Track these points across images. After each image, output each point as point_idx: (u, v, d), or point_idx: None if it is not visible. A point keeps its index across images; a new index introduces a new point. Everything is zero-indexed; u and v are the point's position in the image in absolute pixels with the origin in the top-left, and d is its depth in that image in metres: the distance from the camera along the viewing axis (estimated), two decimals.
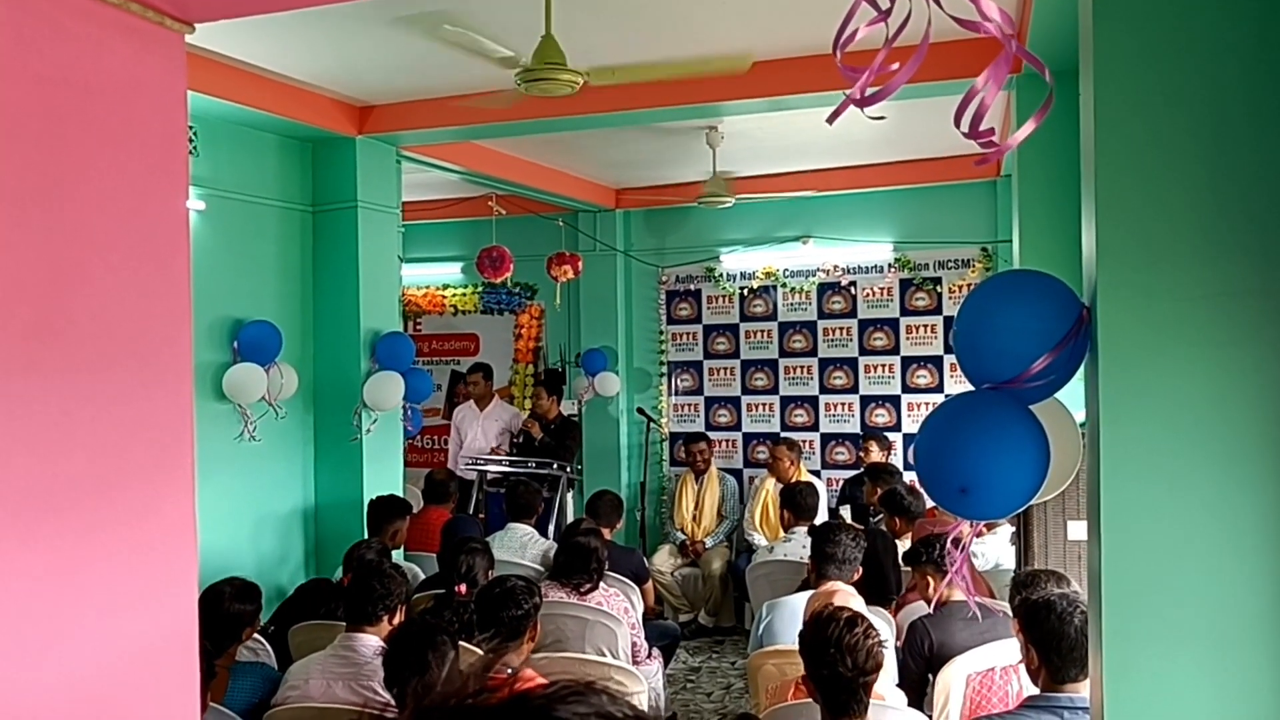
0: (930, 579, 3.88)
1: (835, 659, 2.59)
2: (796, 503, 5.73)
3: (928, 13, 1.01)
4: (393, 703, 2.96)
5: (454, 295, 9.46)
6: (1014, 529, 4.76)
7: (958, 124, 1.12)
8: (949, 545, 2.09)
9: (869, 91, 1.06)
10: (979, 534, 5.10)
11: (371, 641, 3.27)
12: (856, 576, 4.23)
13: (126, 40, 1.14)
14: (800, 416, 8.54)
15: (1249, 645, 1.69)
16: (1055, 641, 2.61)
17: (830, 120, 1.40)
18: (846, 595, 3.52)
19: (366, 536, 5.16)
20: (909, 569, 5.19)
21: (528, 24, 4.06)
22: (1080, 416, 2.11)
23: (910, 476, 7.62)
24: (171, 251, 1.22)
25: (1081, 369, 1.95)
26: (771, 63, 5.19)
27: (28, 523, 1.01)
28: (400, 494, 5.86)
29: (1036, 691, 2.75)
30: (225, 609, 3.51)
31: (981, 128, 1.37)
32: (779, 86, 5.28)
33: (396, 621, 3.39)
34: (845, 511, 6.19)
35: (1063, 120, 4.74)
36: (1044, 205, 4.95)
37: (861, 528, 5.27)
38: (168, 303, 1.21)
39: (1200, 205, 1.73)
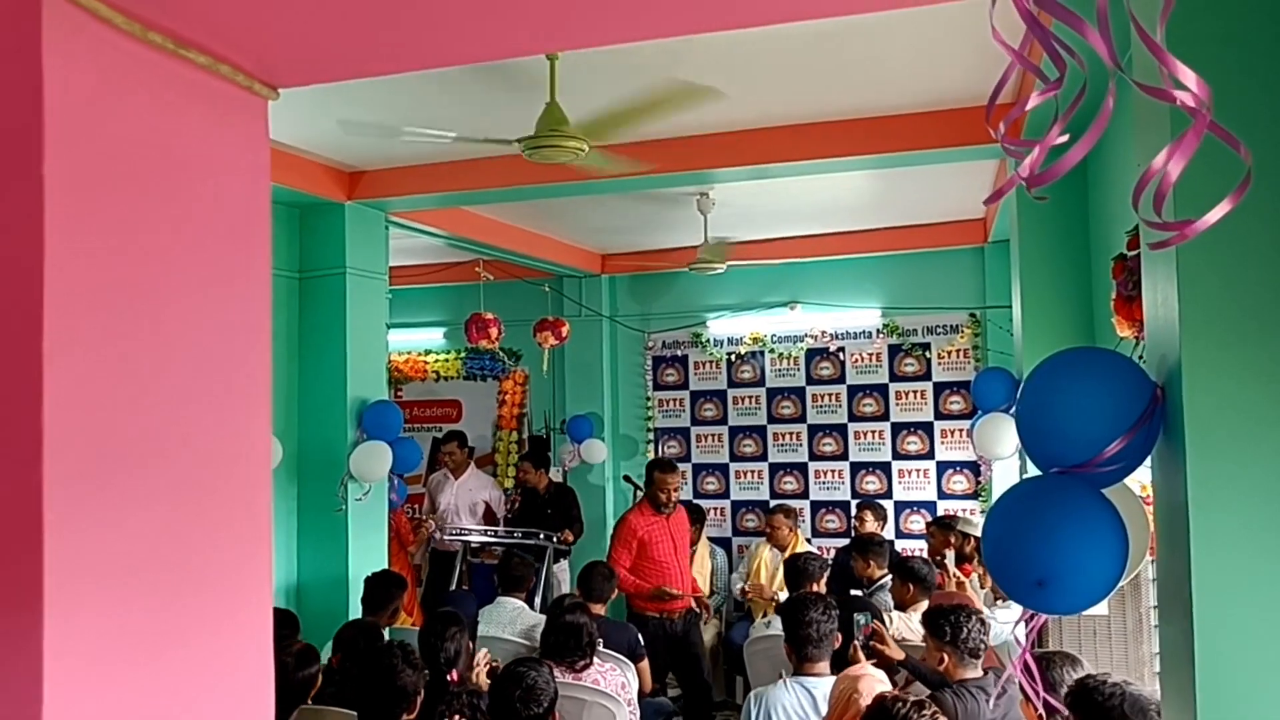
0: (945, 655, 3.72)
1: None
2: (801, 571, 5.56)
3: (1110, 82, 0.91)
4: None
5: (436, 361, 9.30)
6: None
7: (1135, 206, 1.02)
8: (1018, 637, 1.95)
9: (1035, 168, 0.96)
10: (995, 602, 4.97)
11: None
12: (836, 646, 4.10)
13: (211, 107, 1.02)
14: (790, 484, 8.41)
15: None
16: None
17: (988, 201, 1.29)
18: (874, 680, 3.36)
19: (361, 613, 4.93)
20: (904, 640, 5.06)
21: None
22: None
23: (902, 546, 7.50)
24: (253, 349, 1.08)
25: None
26: (764, 130, 5.17)
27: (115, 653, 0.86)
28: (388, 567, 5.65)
29: None
30: (291, 677, 3.49)
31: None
32: (771, 154, 5.25)
33: (415, 715, 3.19)
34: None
35: (1062, 188, 4.74)
36: (1046, 272, 4.92)
37: (828, 597, 5.13)
38: (249, 408, 1.08)
39: None
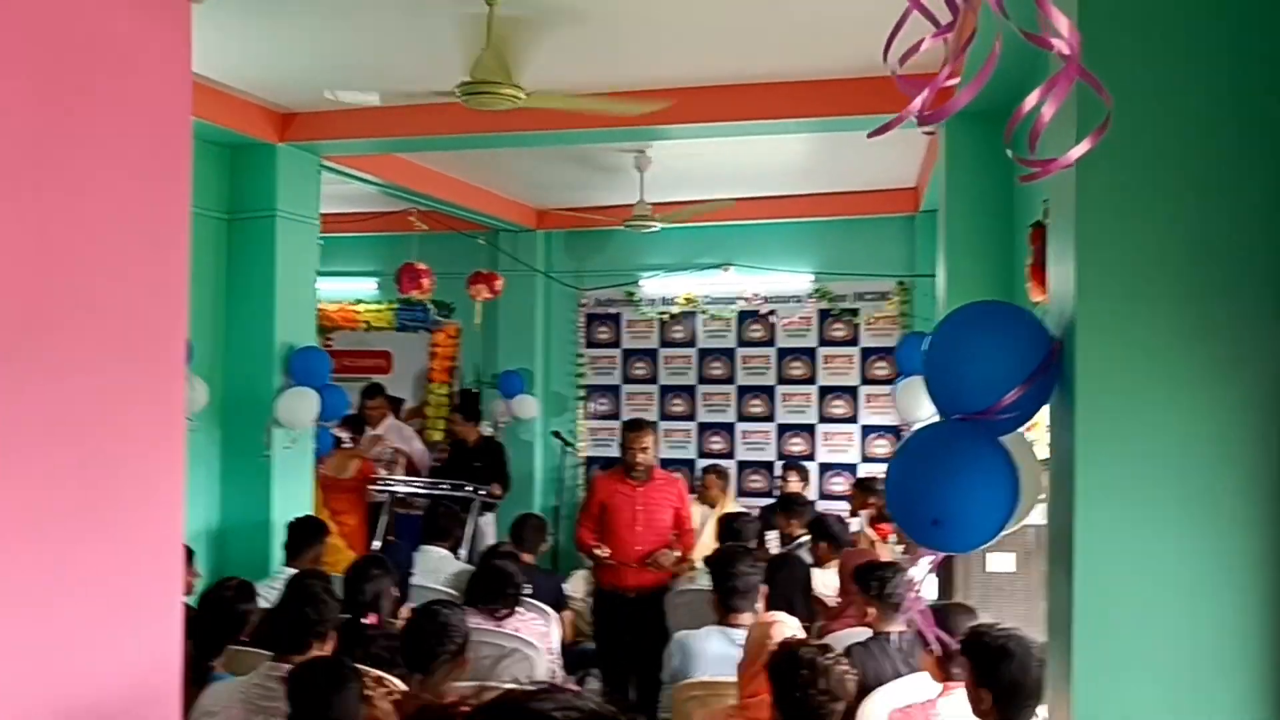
0: (872, 608, 3.86)
1: (809, 680, 2.57)
2: (734, 531, 5.69)
3: (997, 29, 0.97)
4: None
5: (367, 311, 9.23)
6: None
7: (1007, 142, 1.09)
8: (906, 577, 2.05)
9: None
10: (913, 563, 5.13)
11: None
12: (761, 603, 4.21)
13: (131, 7, 1.04)
14: (717, 443, 8.54)
15: (1222, 684, 1.70)
16: (1014, 689, 2.63)
17: (872, 135, 1.36)
18: (786, 627, 3.47)
19: (285, 560, 4.93)
20: (822, 595, 5.23)
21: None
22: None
23: (824, 507, 7.68)
24: (171, 240, 1.11)
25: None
26: (700, 90, 5.21)
27: (14, 525, 0.89)
28: (313, 514, 5.65)
29: None
30: (230, 610, 3.56)
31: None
32: (710, 113, 5.30)
33: (328, 650, 3.22)
34: (773, 540, 6.17)
35: (988, 158, 4.86)
36: (970, 240, 5.04)
37: (759, 551, 5.26)
38: (165, 297, 1.10)
39: (1180, 243, 1.75)
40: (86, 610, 0.99)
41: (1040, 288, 3.25)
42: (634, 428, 5.73)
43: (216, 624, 3.56)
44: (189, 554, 3.73)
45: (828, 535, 5.55)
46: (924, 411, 5.87)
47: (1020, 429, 2.00)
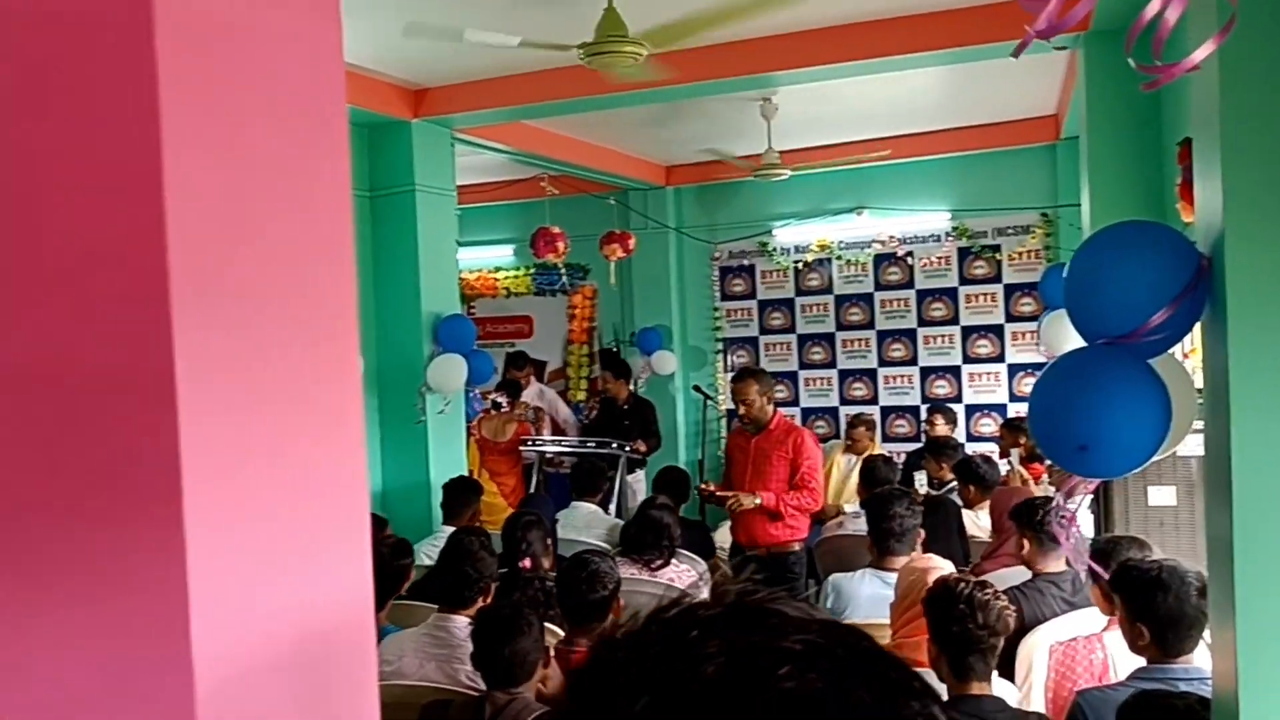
0: (1027, 541, 3.82)
1: (965, 615, 2.57)
2: (875, 477, 5.68)
3: None
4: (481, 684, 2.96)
5: (506, 278, 9.47)
6: (1091, 496, 4.68)
7: (1129, 52, 1.08)
8: (1060, 505, 2.04)
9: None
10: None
11: (465, 624, 3.28)
12: (920, 542, 4.19)
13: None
14: (859, 390, 8.47)
15: None
16: (1172, 621, 2.56)
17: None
18: (940, 569, 3.46)
19: (442, 520, 5.17)
20: (973, 537, 5.17)
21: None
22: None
23: (972, 449, 7.54)
24: (338, 217, 1.20)
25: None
26: (828, 30, 5.12)
27: (216, 476, 1.01)
28: (468, 475, 5.89)
29: (1141, 663, 2.70)
30: (389, 566, 3.69)
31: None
32: (835, 54, 5.22)
33: (488, 602, 3.39)
34: (920, 484, 6.12)
35: (1131, 81, 4.65)
36: (1115, 163, 4.86)
37: (916, 494, 5.21)
38: (338, 275, 1.20)
39: None
40: (285, 541, 1.10)
41: (1191, 207, 3.11)
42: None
43: (378, 580, 3.75)
44: (381, 522, 3.95)
45: (975, 477, 5.47)
46: (1071, 345, 5.69)
47: (1170, 351, 1.95)
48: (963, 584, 2.74)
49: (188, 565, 0.94)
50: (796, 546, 5.41)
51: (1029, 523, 3.80)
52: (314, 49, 1.18)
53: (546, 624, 3.45)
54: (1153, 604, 2.60)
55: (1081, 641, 3.46)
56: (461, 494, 5.19)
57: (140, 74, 0.95)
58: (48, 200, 1.01)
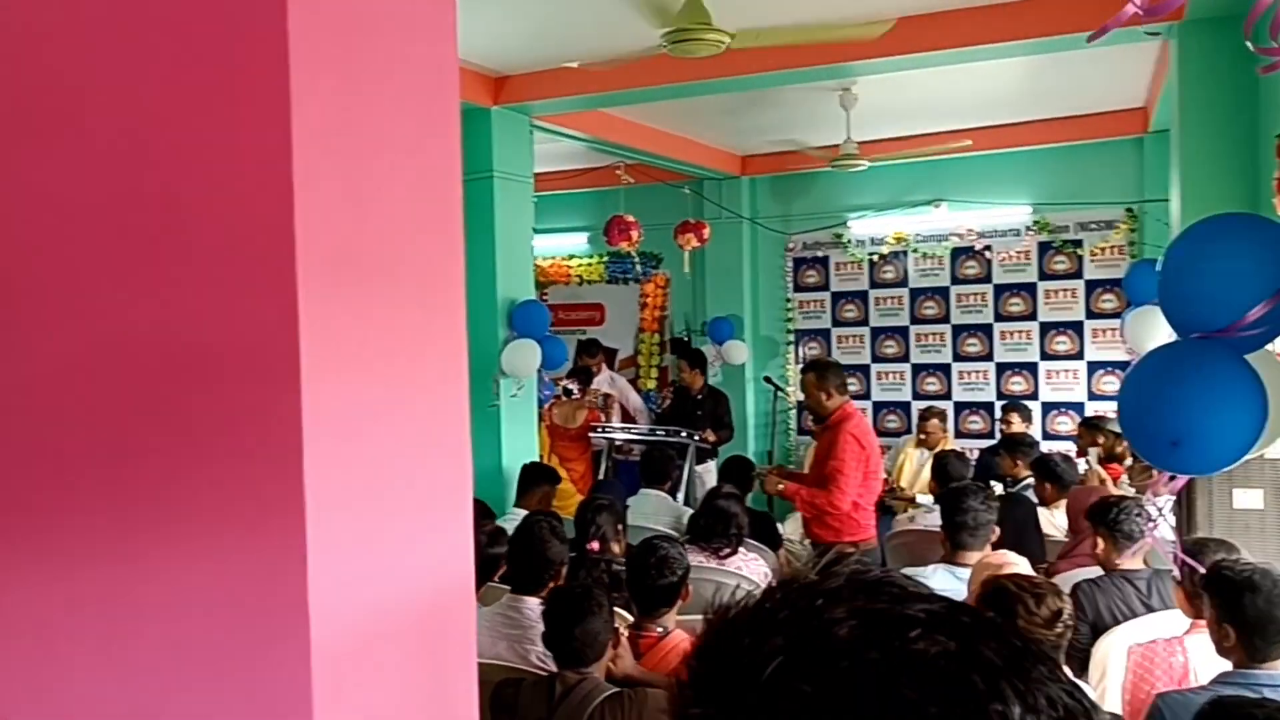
0: (1101, 539, 3.75)
1: (1016, 615, 2.53)
2: (948, 472, 5.62)
3: None
4: (552, 665, 3.00)
5: (579, 265, 9.53)
6: (1173, 497, 4.58)
7: (1248, 35, 1.05)
8: (1148, 503, 2.00)
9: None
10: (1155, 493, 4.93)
11: (537, 605, 3.32)
12: (994, 539, 4.13)
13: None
14: (932, 385, 8.38)
15: None
16: (1260, 624, 2.50)
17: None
18: (1016, 566, 3.41)
19: (515, 501, 5.24)
20: (1048, 536, 5.08)
21: None
22: None
23: (1047, 448, 7.41)
24: (449, 200, 1.25)
25: None
26: (910, 19, 5.06)
27: (326, 447, 1.05)
28: (540, 460, 5.96)
29: (1227, 667, 2.64)
30: (483, 553, 3.72)
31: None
32: (917, 44, 5.15)
33: (559, 584, 3.44)
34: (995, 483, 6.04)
35: (1227, 71, 4.53)
36: (1208, 156, 4.73)
37: (993, 490, 5.13)
38: (449, 254, 1.25)
39: None
40: (394, 513, 1.15)
41: None
42: (804, 370, 5.37)
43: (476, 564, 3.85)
44: (505, 537, 4.00)
45: (1053, 475, 5.39)
46: (1157, 342, 5.56)
47: (1267, 346, 1.91)
48: (1015, 584, 2.68)
49: (306, 519, 0.98)
50: (856, 546, 5.14)
51: (1104, 521, 3.74)
52: (432, 33, 1.22)
53: (615, 609, 3.49)
54: (1241, 605, 2.55)
55: (1161, 644, 3.40)
56: (534, 477, 5.26)
57: (273, 62, 1.00)
58: (191, 185, 1.06)
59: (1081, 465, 5.85)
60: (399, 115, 1.17)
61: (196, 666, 1.06)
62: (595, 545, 4.19)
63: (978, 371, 8.22)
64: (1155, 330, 5.43)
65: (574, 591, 2.97)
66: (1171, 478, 1.97)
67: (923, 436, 7.36)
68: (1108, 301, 7.75)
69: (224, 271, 1.04)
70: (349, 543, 1.07)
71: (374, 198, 1.12)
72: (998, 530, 4.17)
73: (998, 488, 5.97)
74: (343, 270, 1.06)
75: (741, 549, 4.73)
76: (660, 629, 3.36)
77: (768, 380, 8.68)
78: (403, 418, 1.16)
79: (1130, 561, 3.71)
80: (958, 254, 8.22)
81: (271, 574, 1.00)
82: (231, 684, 1.04)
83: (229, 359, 1.02)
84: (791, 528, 7.67)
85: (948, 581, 4.05)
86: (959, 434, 8.25)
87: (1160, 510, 2.06)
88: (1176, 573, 2.62)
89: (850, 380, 8.60)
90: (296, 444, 0.98)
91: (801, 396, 5.54)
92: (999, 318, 8.12)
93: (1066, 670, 3.09)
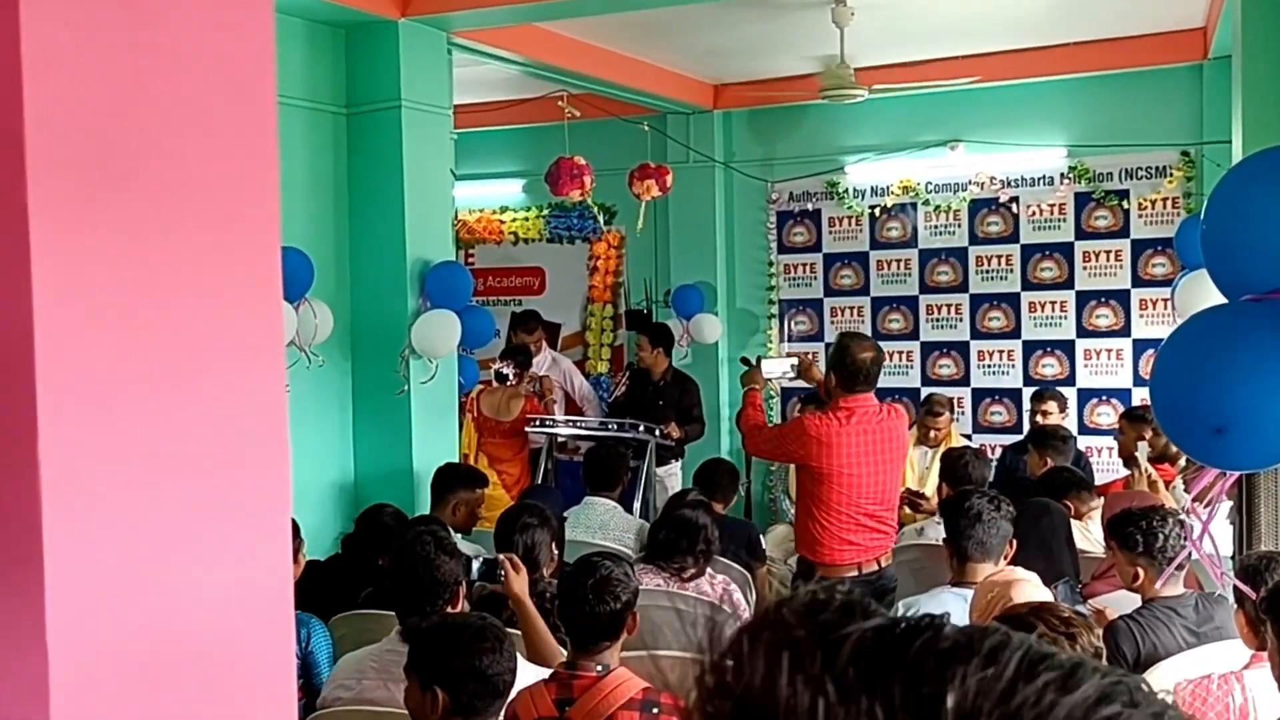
0: (1140, 569, 3.76)
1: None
2: (959, 474, 5.60)
3: None
4: None
5: (514, 220, 9.47)
6: (1231, 504, 4.62)
7: None
8: (1187, 511, 1.99)
9: None
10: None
11: None
12: (1010, 555, 4.14)
13: None
14: (946, 368, 8.43)
15: None
16: None
17: None
18: (1026, 586, 3.41)
19: (430, 510, 5.20)
20: (1083, 551, 5.10)
21: None
22: None
23: (1085, 445, 7.46)
24: (258, 88, 1.19)
25: None
26: None
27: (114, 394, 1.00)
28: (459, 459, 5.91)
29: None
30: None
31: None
32: None
33: (459, 609, 3.41)
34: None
35: None
36: (1276, 89, 4.75)
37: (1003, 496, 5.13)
38: (254, 148, 1.19)
39: None
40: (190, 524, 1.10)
41: None
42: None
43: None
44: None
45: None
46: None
47: None
48: (1032, 619, 2.68)
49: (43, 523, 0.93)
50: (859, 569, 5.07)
51: (1135, 544, 3.73)
52: None
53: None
54: None
55: (1216, 680, 3.42)
56: (448, 481, 5.21)
57: None
58: None
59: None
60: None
61: None
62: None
63: (1002, 351, 8.28)
64: (1209, 297, 5.47)
65: (467, 623, 2.93)
66: (1222, 474, 1.95)
67: (923, 433, 7.34)
68: (1159, 266, 7.80)
69: None
70: (100, 557, 1.02)
71: (150, 110, 1.06)
72: (1015, 544, 4.17)
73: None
74: (101, 197, 1.01)
75: (710, 569, 4.73)
76: (599, 667, 3.31)
77: (745, 362, 8.67)
78: (176, 397, 1.11)
79: (1172, 587, 3.72)
80: (978, 207, 8.26)
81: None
82: None
83: None
84: (775, 541, 7.69)
85: (957, 607, 4.06)
86: (979, 427, 8.30)
87: (1204, 518, 2.04)
88: (1226, 593, 2.62)
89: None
90: (30, 422, 0.93)
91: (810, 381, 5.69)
92: (1027, 285, 8.18)
93: None
